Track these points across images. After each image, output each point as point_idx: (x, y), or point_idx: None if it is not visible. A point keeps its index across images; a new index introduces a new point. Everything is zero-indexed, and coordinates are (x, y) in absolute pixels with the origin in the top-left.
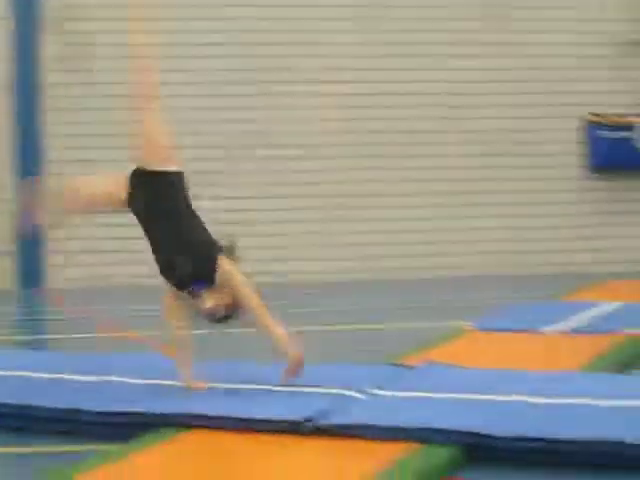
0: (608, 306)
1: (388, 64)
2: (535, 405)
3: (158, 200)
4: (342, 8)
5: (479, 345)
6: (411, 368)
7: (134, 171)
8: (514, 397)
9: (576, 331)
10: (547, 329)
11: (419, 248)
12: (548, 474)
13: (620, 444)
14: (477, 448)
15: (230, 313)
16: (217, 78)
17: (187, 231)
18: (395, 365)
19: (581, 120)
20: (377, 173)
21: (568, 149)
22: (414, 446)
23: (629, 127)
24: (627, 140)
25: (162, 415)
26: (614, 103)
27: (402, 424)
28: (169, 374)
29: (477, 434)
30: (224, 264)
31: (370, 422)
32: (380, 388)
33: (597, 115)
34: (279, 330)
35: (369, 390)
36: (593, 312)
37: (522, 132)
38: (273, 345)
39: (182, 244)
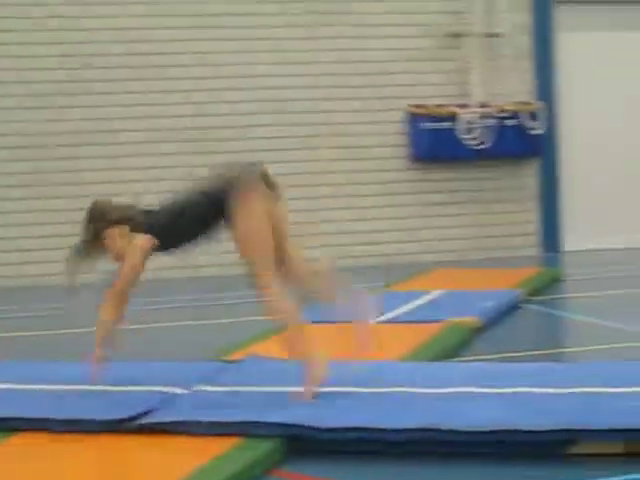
0: (432, 294)
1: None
2: (357, 395)
3: None
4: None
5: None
6: (235, 363)
7: None
8: (335, 388)
9: (401, 320)
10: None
11: None
12: (371, 463)
13: (441, 432)
14: (300, 440)
15: None
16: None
17: None
18: (219, 360)
19: (402, 112)
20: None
21: (390, 141)
22: (237, 440)
23: (451, 118)
24: (449, 131)
25: None
26: (435, 95)
27: (224, 419)
28: None
29: (298, 426)
30: None
31: (193, 418)
32: (204, 384)
33: (418, 106)
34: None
35: (193, 386)
36: (418, 301)
37: (340, 125)
38: None
39: None
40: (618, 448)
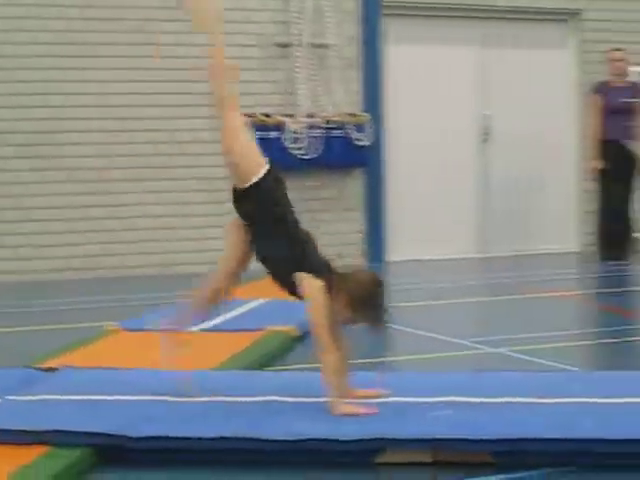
0: (254, 303)
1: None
2: (169, 404)
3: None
4: None
5: (122, 346)
6: (49, 371)
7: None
8: (150, 397)
9: (221, 329)
10: (193, 328)
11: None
12: (183, 472)
13: (251, 440)
14: (113, 450)
15: None
16: None
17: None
18: (33, 368)
19: None
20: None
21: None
22: (45, 449)
23: (278, 127)
24: (276, 140)
25: None
26: (263, 104)
27: (33, 427)
28: None
29: (108, 435)
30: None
31: (2, 426)
32: (16, 392)
33: (245, 115)
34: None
35: (3, 394)
36: (240, 309)
37: (179, 131)
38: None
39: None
40: (426, 457)
